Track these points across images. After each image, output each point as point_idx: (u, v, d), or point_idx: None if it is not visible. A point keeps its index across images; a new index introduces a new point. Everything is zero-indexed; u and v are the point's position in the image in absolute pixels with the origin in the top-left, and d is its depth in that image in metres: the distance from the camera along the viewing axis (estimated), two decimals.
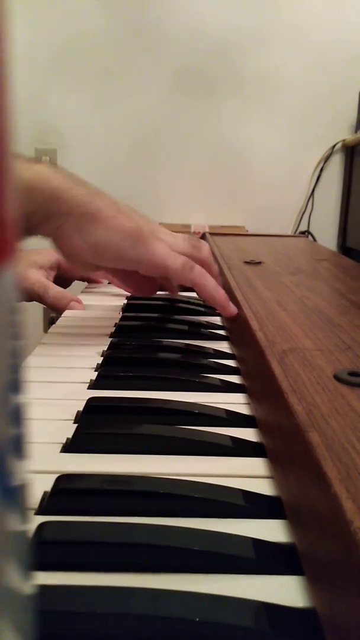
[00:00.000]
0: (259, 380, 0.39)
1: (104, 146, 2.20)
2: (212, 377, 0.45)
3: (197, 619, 0.21)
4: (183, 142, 2.21)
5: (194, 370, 0.46)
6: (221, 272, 0.70)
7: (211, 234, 1.07)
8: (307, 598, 0.23)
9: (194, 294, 0.73)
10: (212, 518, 0.27)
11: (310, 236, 2.20)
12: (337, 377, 0.33)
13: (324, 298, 0.55)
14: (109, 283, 0.75)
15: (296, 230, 2.23)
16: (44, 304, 0.67)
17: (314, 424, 0.27)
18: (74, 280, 0.78)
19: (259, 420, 0.37)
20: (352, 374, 0.33)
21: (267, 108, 2.18)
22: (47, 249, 0.74)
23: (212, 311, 0.66)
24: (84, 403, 0.38)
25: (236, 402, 0.41)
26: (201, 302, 0.69)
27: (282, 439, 0.30)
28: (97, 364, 0.48)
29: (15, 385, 0.10)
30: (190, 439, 0.34)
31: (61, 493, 0.28)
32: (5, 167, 0.09)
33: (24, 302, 0.70)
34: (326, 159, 2.22)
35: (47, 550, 0.24)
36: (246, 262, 0.76)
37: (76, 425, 0.36)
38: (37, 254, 0.72)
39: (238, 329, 0.51)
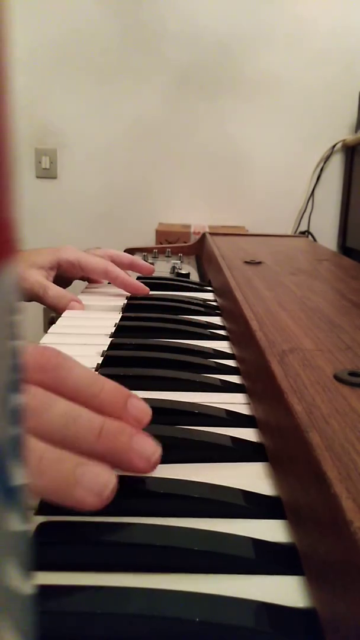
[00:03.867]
0: (259, 380, 0.39)
1: (104, 146, 2.20)
2: (212, 377, 0.45)
3: (197, 619, 0.21)
4: (183, 142, 2.21)
5: (194, 370, 0.46)
6: (221, 272, 0.70)
7: (211, 234, 1.07)
8: (307, 598, 0.23)
9: (194, 294, 0.73)
10: (212, 518, 0.27)
11: (310, 236, 2.20)
12: (337, 377, 0.33)
13: (324, 298, 0.55)
14: (108, 283, 0.75)
15: (296, 230, 2.24)
16: (44, 304, 0.67)
17: (314, 424, 0.27)
18: (74, 280, 0.78)
19: (259, 420, 0.37)
20: (352, 374, 0.33)
21: (267, 108, 2.18)
22: (47, 248, 0.74)
23: (212, 311, 0.66)
24: None
25: (236, 402, 0.41)
26: (201, 302, 0.69)
27: (282, 439, 0.30)
28: (97, 364, 0.48)
29: (15, 385, 0.10)
30: (190, 439, 0.34)
31: None
32: (5, 167, 0.09)
33: (24, 302, 0.70)
34: (326, 159, 2.22)
35: (47, 550, 0.24)
36: (246, 262, 0.76)
37: None
38: (36, 254, 0.72)
39: (238, 329, 0.51)
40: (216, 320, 0.63)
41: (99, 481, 0.24)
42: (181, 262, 0.98)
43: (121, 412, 0.29)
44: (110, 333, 0.56)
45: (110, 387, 0.29)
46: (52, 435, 0.26)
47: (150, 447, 0.28)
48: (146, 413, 0.30)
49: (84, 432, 0.26)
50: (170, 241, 1.89)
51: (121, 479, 0.25)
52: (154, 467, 0.27)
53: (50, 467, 0.24)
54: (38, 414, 0.26)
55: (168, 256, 1.03)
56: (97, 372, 0.30)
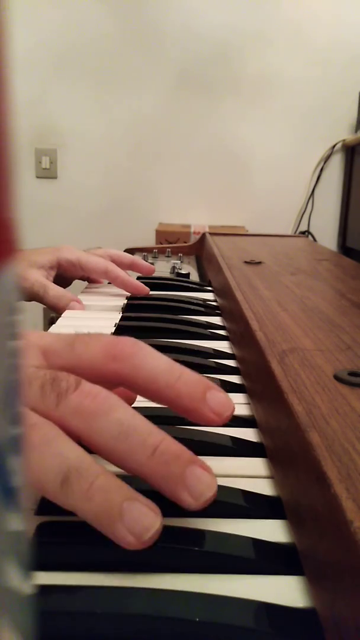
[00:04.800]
0: (259, 380, 0.39)
1: (104, 146, 2.21)
2: (212, 377, 0.45)
3: (197, 619, 0.21)
4: (183, 142, 2.21)
5: (194, 370, 0.46)
6: (221, 272, 0.70)
7: (211, 234, 1.07)
8: (307, 598, 0.23)
9: (194, 294, 0.73)
10: (212, 518, 0.27)
11: (310, 236, 2.20)
12: (337, 377, 0.33)
13: (324, 298, 0.55)
14: (109, 283, 0.75)
15: (296, 230, 2.24)
16: (44, 304, 0.67)
17: (314, 424, 0.27)
18: (74, 280, 0.78)
19: (259, 421, 0.37)
20: (352, 374, 0.33)
21: (267, 108, 2.18)
22: (47, 248, 0.74)
23: (212, 311, 0.66)
24: None
25: (236, 402, 0.41)
26: (201, 302, 0.69)
27: (282, 439, 0.30)
28: None
29: (15, 385, 0.10)
30: (190, 439, 0.34)
31: None
32: (5, 167, 0.09)
33: (24, 302, 0.70)
34: (326, 159, 2.22)
35: (47, 550, 0.24)
36: (246, 262, 0.76)
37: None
38: (37, 253, 0.72)
39: (238, 329, 0.51)
40: (216, 320, 0.63)
41: (141, 523, 0.22)
42: (181, 262, 0.98)
43: (199, 403, 0.27)
44: (110, 333, 0.56)
45: (189, 377, 0.28)
46: (102, 443, 0.25)
47: (204, 483, 0.24)
48: (228, 407, 0.27)
49: (136, 448, 0.24)
50: (170, 241, 1.89)
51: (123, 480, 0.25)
52: (203, 506, 0.24)
53: (98, 494, 0.23)
54: (93, 418, 0.25)
55: (168, 256, 1.03)
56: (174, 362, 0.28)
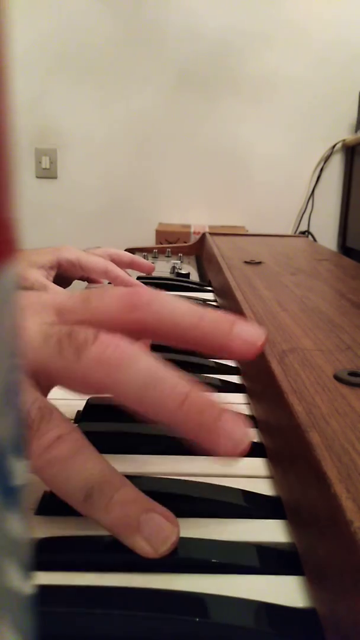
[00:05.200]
0: (259, 380, 0.39)
1: (104, 146, 2.21)
2: (212, 377, 0.45)
3: (197, 619, 0.21)
4: (183, 142, 2.21)
5: (194, 370, 0.46)
6: (221, 272, 0.70)
7: (211, 234, 1.07)
8: (307, 598, 0.23)
9: (194, 294, 0.73)
10: (212, 518, 0.27)
11: (310, 236, 2.20)
12: (337, 377, 0.33)
13: (324, 298, 0.55)
14: (109, 283, 0.75)
15: (296, 230, 2.24)
16: None
17: (314, 424, 0.27)
18: (74, 280, 0.78)
19: (259, 421, 0.37)
20: (352, 374, 0.33)
21: (267, 108, 2.18)
22: (47, 248, 0.74)
23: None
24: (83, 403, 0.38)
25: (236, 402, 0.41)
26: (201, 302, 0.69)
27: (282, 439, 0.30)
28: None
29: (15, 385, 0.10)
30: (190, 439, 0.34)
31: None
32: (5, 167, 0.09)
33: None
34: (326, 159, 2.22)
35: (47, 550, 0.24)
36: (246, 262, 0.76)
37: (76, 425, 0.36)
38: (37, 253, 0.72)
39: None
40: None
41: (158, 535, 0.23)
42: (181, 262, 0.98)
43: (227, 339, 0.26)
44: None
45: (212, 315, 0.27)
46: (130, 394, 0.24)
47: (240, 430, 0.23)
48: (258, 336, 0.26)
49: (164, 398, 0.24)
50: (170, 241, 1.89)
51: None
52: (241, 454, 0.23)
53: (117, 506, 0.24)
54: (119, 369, 0.24)
55: (168, 256, 1.03)
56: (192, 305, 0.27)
